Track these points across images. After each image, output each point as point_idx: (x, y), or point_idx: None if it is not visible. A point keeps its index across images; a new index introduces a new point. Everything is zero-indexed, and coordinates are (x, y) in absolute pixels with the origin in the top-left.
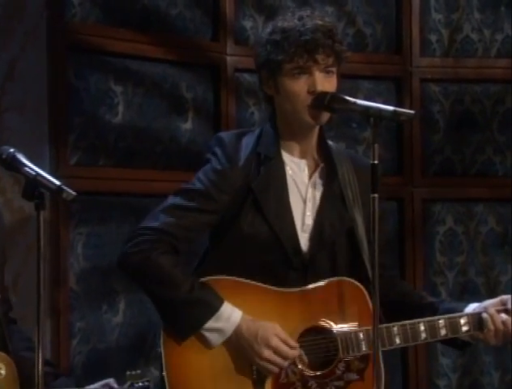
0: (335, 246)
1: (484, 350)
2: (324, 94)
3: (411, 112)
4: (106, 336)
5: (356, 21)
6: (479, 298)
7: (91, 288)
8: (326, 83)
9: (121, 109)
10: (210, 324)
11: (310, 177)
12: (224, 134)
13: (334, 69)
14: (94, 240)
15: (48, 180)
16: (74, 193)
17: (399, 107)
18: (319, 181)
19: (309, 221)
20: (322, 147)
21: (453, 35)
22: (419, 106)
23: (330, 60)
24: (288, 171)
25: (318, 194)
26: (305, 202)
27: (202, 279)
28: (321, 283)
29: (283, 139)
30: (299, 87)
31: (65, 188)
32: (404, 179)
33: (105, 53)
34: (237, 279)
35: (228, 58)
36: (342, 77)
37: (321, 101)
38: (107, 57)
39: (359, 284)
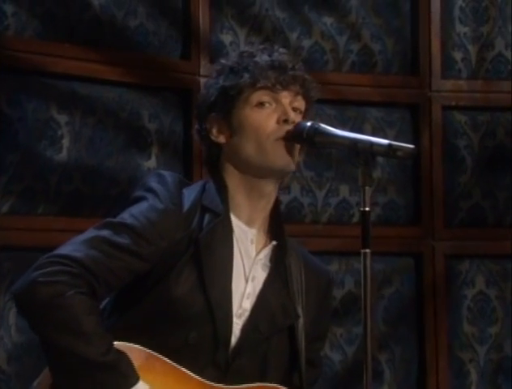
0: (271, 345)
1: None
2: (301, 124)
3: (411, 147)
4: None
5: (362, 35)
6: None
7: (26, 369)
8: (296, 120)
9: (65, 143)
10: None
11: (258, 252)
12: (166, 173)
13: (301, 107)
14: None
15: None
16: None
17: (416, 141)
18: (267, 261)
19: (247, 305)
20: (276, 223)
21: (482, 52)
22: (440, 140)
23: (300, 89)
24: (235, 237)
25: (263, 276)
26: (247, 280)
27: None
28: (254, 386)
29: (234, 200)
30: (265, 116)
31: None
32: (423, 230)
33: (46, 75)
34: (155, 354)
35: (202, 80)
36: (345, 103)
37: (299, 133)
38: (48, 79)
39: None
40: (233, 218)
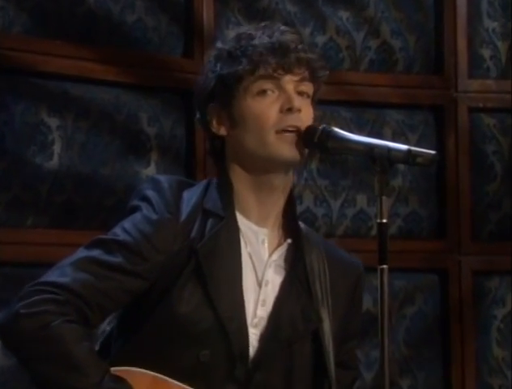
0: (294, 353)
1: None
2: (313, 128)
3: (432, 153)
4: None
5: (381, 31)
6: None
7: None
8: (303, 105)
9: (57, 149)
10: None
11: (271, 254)
12: (162, 178)
13: (309, 91)
14: None
15: None
16: None
17: (440, 146)
18: (282, 262)
19: (263, 313)
20: (290, 219)
21: None
22: (467, 145)
23: (305, 72)
24: (243, 240)
25: (279, 279)
26: (260, 285)
27: (113, 370)
28: None
29: (238, 197)
30: (267, 105)
31: None
32: (448, 244)
33: (36, 74)
34: (162, 377)
35: None
36: (363, 105)
37: (309, 137)
38: (38, 79)
39: None
40: (241, 218)
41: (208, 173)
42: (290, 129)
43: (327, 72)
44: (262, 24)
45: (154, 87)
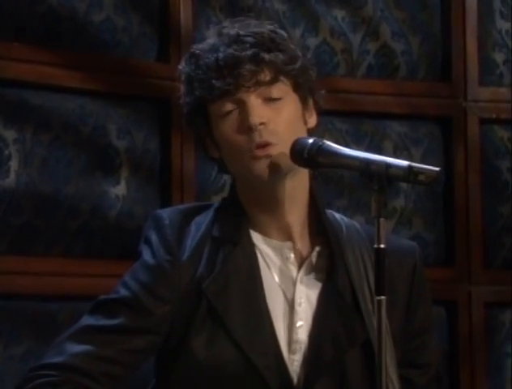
0: (346, 366)
1: None
2: (302, 141)
3: (435, 170)
4: None
5: (381, 32)
6: None
7: None
8: (269, 111)
9: (14, 165)
10: None
11: (300, 267)
12: (164, 213)
13: (280, 92)
14: None
15: None
16: None
17: (448, 162)
18: (315, 274)
19: (302, 335)
20: (319, 221)
21: None
22: (478, 160)
23: (263, 75)
24: (263, 262)
25: (314, 294)
26: (292, 307)
27: None
28: None
29: (253, 215)
30: (231, 127)
31: None
32: (457, 272)
33: None
34: None
35: None
36: (360, 116)
37: (299, 152)
38: None
39: None
40: (258, 237)
41: (185, 191)
42: (260, 148)
43: (299, 62)
44: (229, 30)
45: (124, 95)
